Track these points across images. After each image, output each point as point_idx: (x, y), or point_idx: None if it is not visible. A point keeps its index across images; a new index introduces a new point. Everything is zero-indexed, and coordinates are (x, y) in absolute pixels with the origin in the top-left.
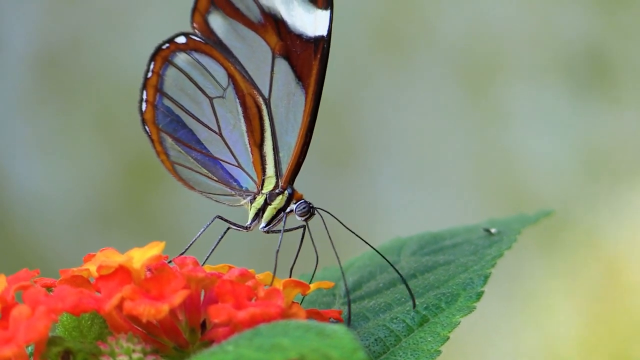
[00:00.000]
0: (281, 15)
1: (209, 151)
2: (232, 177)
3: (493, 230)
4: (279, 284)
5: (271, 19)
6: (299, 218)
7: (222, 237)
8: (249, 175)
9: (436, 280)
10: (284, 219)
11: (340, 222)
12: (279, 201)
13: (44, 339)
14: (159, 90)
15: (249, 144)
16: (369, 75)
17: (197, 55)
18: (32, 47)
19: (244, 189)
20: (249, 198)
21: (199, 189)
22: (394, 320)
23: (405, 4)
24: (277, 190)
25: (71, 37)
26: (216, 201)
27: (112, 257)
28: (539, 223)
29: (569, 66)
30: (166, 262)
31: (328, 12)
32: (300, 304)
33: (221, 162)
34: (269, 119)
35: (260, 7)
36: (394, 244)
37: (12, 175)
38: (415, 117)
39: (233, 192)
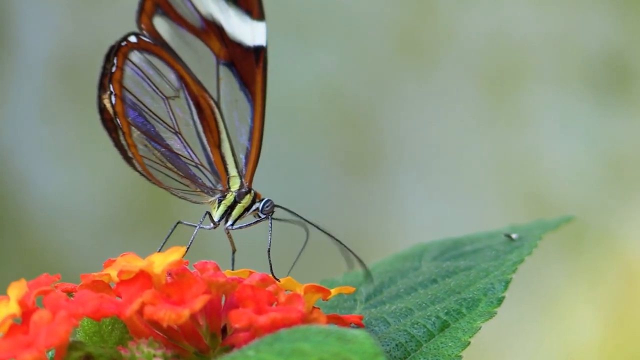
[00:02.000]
0: (221, 23)
1: (172, 147)
2: (195, 174)
3: (514, 236)
4: (300, 289)
5: (213, 26)
6: (262, 215)
7: (172, 231)
8: (212, 174)
9: (457, 285)
10: (270, 219)
11: (302, 218)
12: (246, 200)
13: (65, 343)
14: (122, 85)
15: (208, 144)
16: (390, 82)
17: (148, 56)
18: (54, 52)
19: (211, 186)
20: (217, 196)
21: (166, 185)
22: (415, 325)
23: (427, 11)
24: (244, 190)
25: (94, 42)
26: (182, 198)
27: (132, 262)
28: (559, 229)
29: (590, 72)
30: (187, 267)
31: (264, 24)
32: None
33: (183, 159)
34: (222, 121)
35: (200, 15)
36: (415, 250)
37: (33, 180)
38: (437, 123)
39: (198, 190)
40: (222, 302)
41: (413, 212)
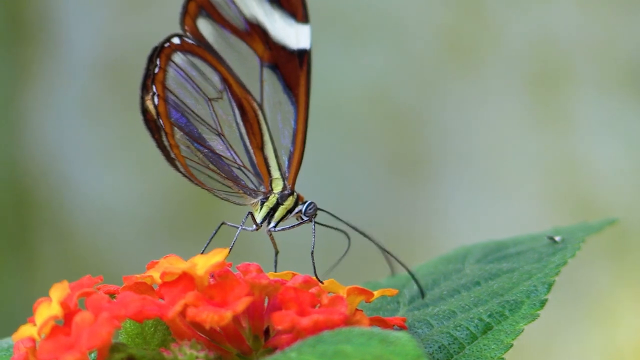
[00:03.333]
0: (265, 26)
1: (214, 149)
2: (237, 176)
3: (557, 239)
4: (342, 292)
5: (257, 29)
6: (305, 217)
7: (215, 232)
8: (255, 176)
9: (500, 287)
10: (313, 222)
11: (344, 222)
12: (289, 202)
13: (107, 345)
14: (165, 86)
15: (251, 146)
16: (437, 85)
17: (191, 57)
18: (100, 54)
19: (253, 188)
20: (259, 198)
21: (209, 187)
22: (458, 328)
23: (473, 14)
24: (287, 192)
25: (138, 44)
26: (225, 199)
27: (175, 264)
28: (603, 231)
29: (635, 75)
30: (230, 269)
31: (308, 27)
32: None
33: (225, 160)
34: (265, 123)
35: (245, 17)
36: (459, 252)
37: (78, 182)
38: (483, 125)
39: (241, 191)
40: (265, 304)
41: (457, 214)
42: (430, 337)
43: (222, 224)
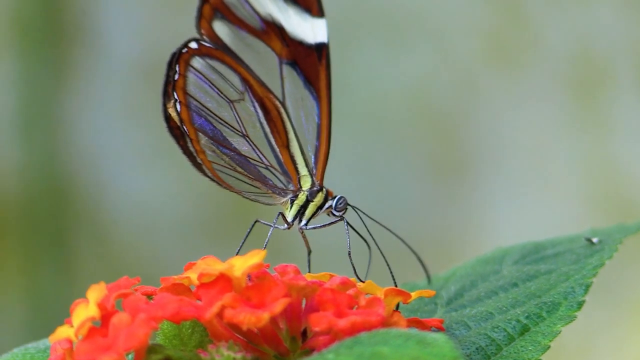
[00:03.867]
0: (281, 23)
1: (240, 151)
2: (265, 176)
3: (595, 240)
4: (380, 293)
5: (273, 26)
6: (337, 214)
7: (250, 230)
8: (283, 174)
9: (537, 289)
10: (345, 221)
11: (373, 219)
12: (319, 198)
13: (144, 346)
14: (187, 92)
15: (277, 145)
16: (477, 87)
17: (210, 61)
18: (140, 55)
19: (282, 187)
20: (289, 196)
21: (237, 189)
22: (495, 329)
23: (515, 17)
24: (315, 188)
25: (178, 44)
26: (254, 201)
27: (213, 265)
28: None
29: None
30: (267, 270)
31: (324, 20)
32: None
33: (252, 161)
34: (289, 121)
35: (260, 16)
36: (497, 254)
37: (116, 183)
38: (522, 128)
39: (270, 191)
40: (303, 306)
41: (496, 216)
42: (468, 339)
43: (256, 221)
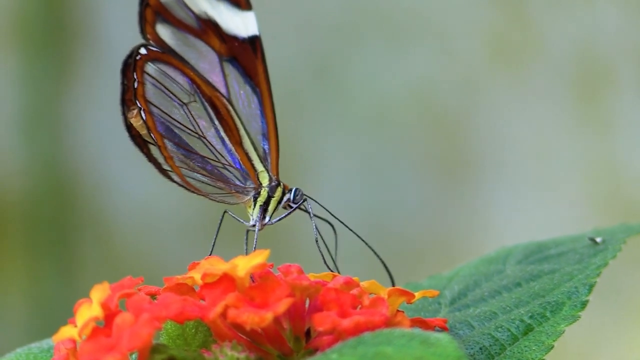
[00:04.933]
0: (215, 20)
1: (200, 153)
2: (226, 176)
3: (598, 240)
4: (384, 293)
5: (210, 24)
6: (294, 206)
7: (220, 222)
8: (241, 173)
9: (541, 289)
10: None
11: (331, 213)
12: (278, 193)
13: (148, 346)
14: (147, 100)
15: (231, 143)
16: (481, 87)
17: (160, 65)
18: None
19: (242, 185)
20: (252, 194)
21: (204, 192)
22: (499, 329)
23: (518, 17)
24: (274, 183)
25: None
26: (221, 202)
27: (216, 265)
28: None
29: None
30: (270, 270)
31: (252, 13)
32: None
33: (212, 162)
34: (238, 118)
35: (195, 15)
36: (500, 253)
37: (119, 182)
38: (526, 128)
39: (233, 191)
40: (306, 306)
41: (500, 215)
42: (472, 338)
43: (225, 212)
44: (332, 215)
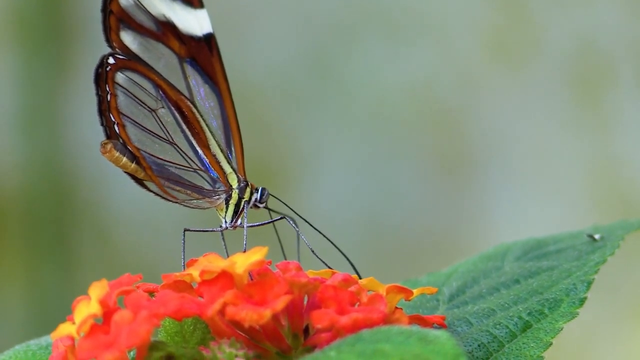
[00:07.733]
0: (172, 21)
1: (172, 160)
2: (197, 181)
3: (597, 237)
4: (382, 290)
5: (168, 26)
6: (261, 206)
7: (183, 241)
8: (211, 176)
9: (539, 286)
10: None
11: (296, 212)
12: (247, 193)
13: (146, 343)
14: (120, 111)
15: (199, 146)
16: (481, 85)
17: (127, 73)
18: None
19: (213, 189)
20: (224, 196)
21: (179, 199)
22: (497, 326)
23: (518, 15)
24: (242, 184)
25: None
26: (196, 207)
27: (214, 262)
28: None
29: None
30: (269, 267)
31: (204, 11)
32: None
33: (184, 168)
34: (203, 119)
35: (154, 17)
36: (499, 250)
37: (118, 179)
38: (526, 126)
39: (205, 196)
40: (305, 303)
41: (500, 213)
42: (470, 335)
43: (186, 230)
44: (295, 212)
